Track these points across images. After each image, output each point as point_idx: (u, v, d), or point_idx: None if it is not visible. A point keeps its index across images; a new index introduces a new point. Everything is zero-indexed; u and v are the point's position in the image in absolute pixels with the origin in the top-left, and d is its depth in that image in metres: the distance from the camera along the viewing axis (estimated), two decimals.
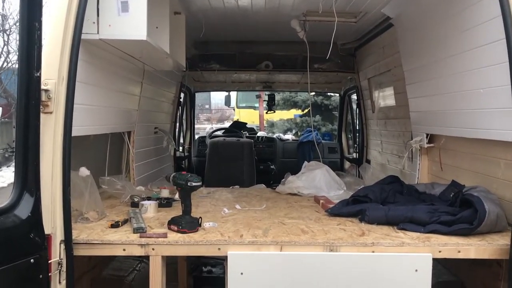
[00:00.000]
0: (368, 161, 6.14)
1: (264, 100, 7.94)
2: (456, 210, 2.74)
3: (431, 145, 4.06)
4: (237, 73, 6.71)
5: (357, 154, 6.52)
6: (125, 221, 2.83)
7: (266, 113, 7.76)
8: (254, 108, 15.94)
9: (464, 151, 3.47)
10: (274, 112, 7.76)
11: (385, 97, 5.33)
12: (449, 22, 3.29)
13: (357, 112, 6.39)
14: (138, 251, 2.52)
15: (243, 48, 6.33)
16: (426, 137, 4.05)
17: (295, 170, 7.41)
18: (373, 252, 2.51)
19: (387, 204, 3.17)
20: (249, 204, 3.55)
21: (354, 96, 6.74)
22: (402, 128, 4.74)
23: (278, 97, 13.48)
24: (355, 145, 6.53)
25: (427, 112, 4.03)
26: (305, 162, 4.30)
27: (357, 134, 6.52)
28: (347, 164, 7.47)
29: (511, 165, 2.82)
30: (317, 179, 3.91)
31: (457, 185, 3.18)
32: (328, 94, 13.56)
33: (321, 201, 3.49)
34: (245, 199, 3.76)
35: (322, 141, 7.62)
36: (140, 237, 2.54)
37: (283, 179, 4.35)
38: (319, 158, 5.82)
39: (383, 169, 5.48)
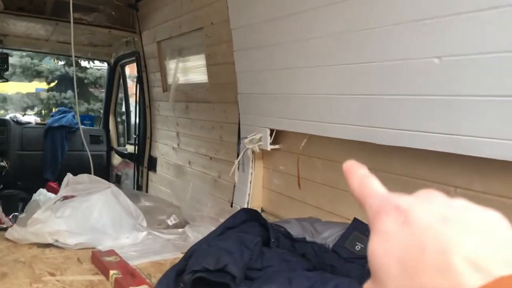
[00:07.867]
0: (154, 160, 4.42)
1: None
2: None
3: (277, 146, 2.66)
4: None
5: (135, 147, 4.68)
6: None
7: None
8: None
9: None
10: (8, 80, 5.18)
11: (189, 70, 3.69)
12: None
13: (137, 89, 4.54)
14: None
15: None
16: (270, 135, 2.63)
17: (38, 169, 5.25)
18: None
19: (253, 273, 1.59)
20: None
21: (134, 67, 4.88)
22: (220, 117, 3.20)
23: (14, 60, 9.84)
24: (135, 136, 4.67)
25: (272, 96, 2.59)
26: (68, 176, 2.27)
27: (136, 121, 4.67)
28: (116, 160, 5.54)
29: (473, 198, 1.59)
30: (95, 214, 1.99)
31: (363, 227, 1.81)
32: (83, 65, 11.08)
33: (112, 274, 1.64)
34: None
35: (82, 126, 5.49)
36: None
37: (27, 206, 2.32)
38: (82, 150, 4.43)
39: (180, 173, 3.86)
